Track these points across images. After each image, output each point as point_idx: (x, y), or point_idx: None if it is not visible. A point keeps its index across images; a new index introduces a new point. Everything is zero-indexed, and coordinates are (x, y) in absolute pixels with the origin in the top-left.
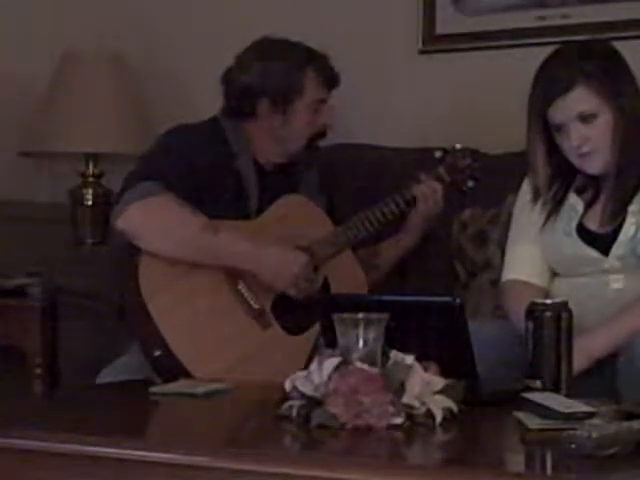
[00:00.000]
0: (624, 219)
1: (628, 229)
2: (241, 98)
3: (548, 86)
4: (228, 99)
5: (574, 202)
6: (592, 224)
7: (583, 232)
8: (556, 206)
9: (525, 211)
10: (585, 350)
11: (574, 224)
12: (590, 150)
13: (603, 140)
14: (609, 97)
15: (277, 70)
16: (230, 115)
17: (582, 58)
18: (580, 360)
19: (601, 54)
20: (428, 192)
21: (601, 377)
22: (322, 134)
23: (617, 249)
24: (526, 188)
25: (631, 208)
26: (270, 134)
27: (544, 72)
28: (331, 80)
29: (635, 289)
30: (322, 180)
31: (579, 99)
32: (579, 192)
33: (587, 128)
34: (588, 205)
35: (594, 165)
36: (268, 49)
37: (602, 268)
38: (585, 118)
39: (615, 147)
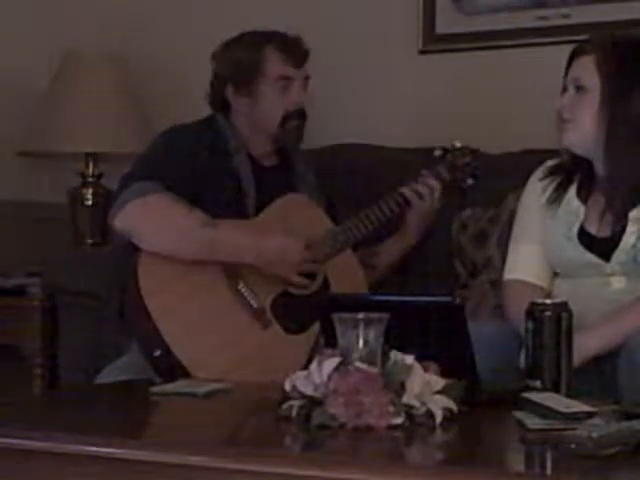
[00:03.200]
0: (625, 225)
1: (629, 237)
2: (213, 89)
3: (573, 50)
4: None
5: (576, 207)
6: (592, 227)
7: (584, 236)
8: (558, 194)
9: (529, 211)
10: (579, 348)
11: (575, 229)
12: (568, 118)
13: (582, 115)
14: (607, 81)
15: (237, 53)
16: (215, 109)
17: (612, 40)
18: (573, 357)
19: (633, 50)
20: (425, 190)
21: (601, 377)
22: (299, 114)
23: (618, 256)
24: (530, 188)
25: (632, 214)
26: (246, 120)
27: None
28: (293, 56)
29: (636, 289)
30: (320, 180)
31: (583, 65)
32: (578, 192)
33: (576, 98)
34: (587, 205)
35: (566, 136)
36: (233, 38)
37: (603, 272)
38: (578, 87)
39: (599, 138)
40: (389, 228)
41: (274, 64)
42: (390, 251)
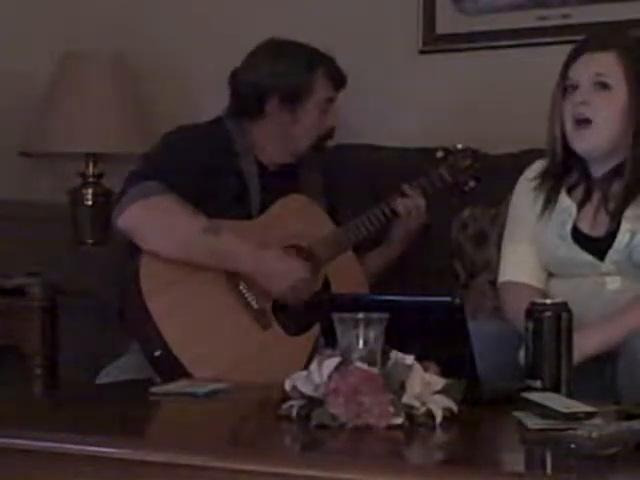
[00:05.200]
0: (619, 224)
1: (623, 236)
2: (249, 98)
3: (583, 43)
4: (235, 99)
5: (568, 205)
6: (585, 226)
7: (577, 235)
8: (551, 198)
9: (519, 213)
10: (577, 347)
11: (568, 228)
12: (588, 116)
13: (605, 115)
14: (635, 81)
15: (287, 69)
16: (236, 115)
17: (630, 40)
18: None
19: None
20: (411, 206)
21: (601, 377)
22: (329, 135)
23: (613, 255)
24: (520, 189)
25: (626, 214)
26: (278, 134)
27: (589, 34)
28: (339, 80)
29: (632, 289)
30: (324, 181)
31: (605, 61)
32: (570, 191)
33: (596, 95)
34: (580, 205)
35: (586, 139)
36: (277, 49)
37: (598, 271)
38: (599, 83)
39: (617, 143)
40: (381, 236)
41: (322, 87)
42: (373, 262)
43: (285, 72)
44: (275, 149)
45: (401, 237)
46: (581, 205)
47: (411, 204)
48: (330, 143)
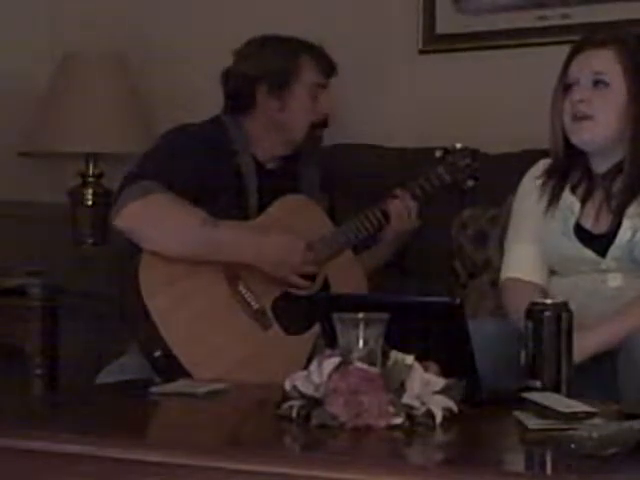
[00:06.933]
0: (620, 221)
1: (624, 233)
2: (241, 88)
3: (583, 40)
4: (228, 93)
5: (571, 202)
6: (587, 223)
7: (580, 232)
8: (555, 196)
9: (523, 212)
10: (578, 346)
11: (571, 224)
12: (587, 114)
13: (604, 112)
14: (633, 79)
15: (273, 57)
16: (231, 110)
17: (629, 37)
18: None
19: None
20: (402, 209)
21: (601, 377)
22: (323, 123)
23: (614, 251)
24: (524, 187)
25: (629, 211)
26: (270, 123)
27: (588, 32)
28: (327, 66)
29: (633, 287)
30: (323, 179)
31: (604, 58)
32: (573, 189)
33: (594, 92)
34: (582, 201)
35: (584, 133)
36: (264, 41)
37: (599, 268)
38: (598, 81)
39: (617, 140)
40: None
41: (309, 71)
42: (365, 264)
43: (271, 59)
44: (270, 141)
45: (391, 240)
46: (584, 202)
47: (401, 206)
48: (329, 143)
